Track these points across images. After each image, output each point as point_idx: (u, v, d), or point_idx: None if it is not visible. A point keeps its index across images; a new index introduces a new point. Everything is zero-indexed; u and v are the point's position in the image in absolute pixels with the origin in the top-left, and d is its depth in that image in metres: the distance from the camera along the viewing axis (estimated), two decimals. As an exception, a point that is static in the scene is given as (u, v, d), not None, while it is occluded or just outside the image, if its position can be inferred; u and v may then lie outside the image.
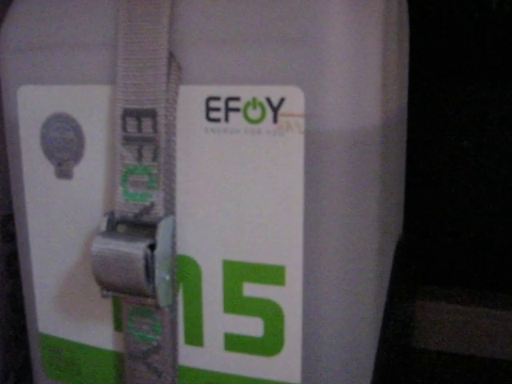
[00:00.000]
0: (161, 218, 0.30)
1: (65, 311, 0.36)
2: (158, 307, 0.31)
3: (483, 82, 0.52)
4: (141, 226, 0.31)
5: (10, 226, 0.46)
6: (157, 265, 0.30)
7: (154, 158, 0.30)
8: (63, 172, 0.33)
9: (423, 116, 0.54)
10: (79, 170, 0.33)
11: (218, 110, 0.29)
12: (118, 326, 0.34)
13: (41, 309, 0.37)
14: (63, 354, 0.37)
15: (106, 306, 0.34)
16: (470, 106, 0.53)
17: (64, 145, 0.33)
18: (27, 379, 0.45)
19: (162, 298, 0.30)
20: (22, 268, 0.38)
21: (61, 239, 0.35)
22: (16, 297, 0.47)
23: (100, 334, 0.35)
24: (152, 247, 0.30)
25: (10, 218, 0.46)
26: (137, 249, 0.29)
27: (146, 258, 0.29)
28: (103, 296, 0.31)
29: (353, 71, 0.28)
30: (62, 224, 0.34)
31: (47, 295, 0.36)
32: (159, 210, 0.30)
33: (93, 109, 0.32)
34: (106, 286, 0.31)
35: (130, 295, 0.31)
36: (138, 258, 0.29)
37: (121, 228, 0.32)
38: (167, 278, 0.30)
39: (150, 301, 0.30)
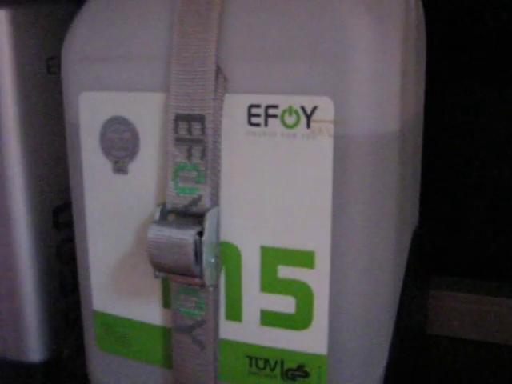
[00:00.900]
0: (207, 209, 0.35)
1: (117, 291, 0.41)
2: (203, 286, 0.37)
3: (493, 84, 0.57)
4: (189, 216, 0.36)
5: (60, 216, 0.52)
6: (204, 249, 0.35)
7: (202, 157, 0.35)
8: (119, 168, 0.39)
9: (438, 117, 0.59)
10: (134, 166, 0.39)
11: (258, 116, 0.35)
12: (166, 303, 0.40)
13: (95, 289, 0.42)
14: (115, 330, 0.42)
15: (155, 285, 0.40)
16: (481, 107, 0.58)
17: (121, 144, 0.39)
18: (79, 353, 0.51)
19: (208, 278, 0.36)
20: (78, 253, 0.43)
21: (115, 227, 0.40)
22: (65, 279, 0.53)
23: (149, 311, 0.40)
24: (200, 234, 0.35)
25: (60, 209, 0.52)
26: (187, 235, 0.35)
27: (195, 244, 0.35)
28: (156, 276, 0.37)
29: (375, 83, 0.33)
30: (117, 213, 0.40)
31: (102, 277, 0.42)
32: (206, 202, 0.36)
33: (147, 113, 0.37)
34: (159, 268, 0.36)
35: (179, 276, 0.36)
36: (188, 243, 0.35)
37: (171, 217, 0.37)
38: (212, 260, 0.36)
39: (197, 280, 0.36)
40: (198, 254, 0.35)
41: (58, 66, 0.50)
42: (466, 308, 0.61)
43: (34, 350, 0.52)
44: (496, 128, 0.59)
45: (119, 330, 0.42)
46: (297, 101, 0.33)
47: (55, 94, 0.50)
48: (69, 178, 0.43)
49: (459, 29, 0.58)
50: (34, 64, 0.49)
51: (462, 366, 0.58)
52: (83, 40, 0.39)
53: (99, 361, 0.44)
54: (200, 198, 0.36)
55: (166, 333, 0.40)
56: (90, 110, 0.39)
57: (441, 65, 0.59)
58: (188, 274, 0.36)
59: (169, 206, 0.37)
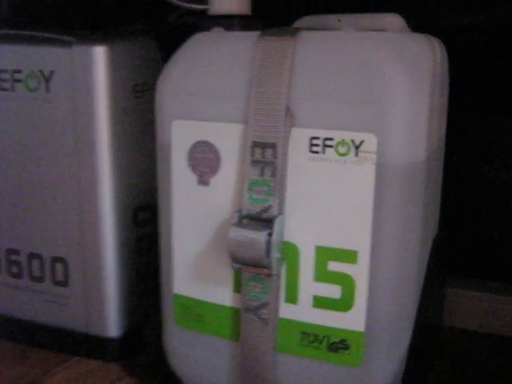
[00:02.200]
0: (275, 216, 0.48)
1: (196, 278, 0.53)
2: (269, 275, 0.49)
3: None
4: (260, 220, 0.48)
5: (139, 215, 0.65)
6: (272, 247, 0.47)
7: (273, 175, 0.47)
8: (203, 181, 0.51)
9: (457, 142, 0.70)
10: (215, 180, 0.51)
11: (317, 145, 0.46)
12: (236, 288, 0.52)
13: (177, 276, 0.54)
14: (192, 309, 0.54)
15: (228, 274, 0.52)
16: (490, 132, 0.70)
17: (205, 162, 0.51)
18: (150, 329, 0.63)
19: (274, 269, 0.48)
20: (162, 247, 0.55)
21: (197, 227, 0.52)
22: (141, 268, 0.65)
23: (222, 295, 0.52)
24: (270, 235, 0.47)
25: (139, 210, 0.64)
26: (261, 236, 0.47)
27: (266, 242, 0.47)
28: (233, 267, 0.49)
29: (407, 124, 0.45)
30: (199, 216, 0.52)
31: (183, 267, 0.54)
32: (274, 210, 0.48)
33: (229, 139, 0.49)
34: (236, 260, 0.48)
35: (251, 267, 0.48)
36: (261, 242, 0.47)
37: (245, 221, 0.49)
38: (278, 255, 0.48)
39: (265, 271, 0.48)
40: (267, 251, 0.47)
41: (142, 91, 0.63)
42: (476, 304, 0.72)
43: (113, 326, 0.65)
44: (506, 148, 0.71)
45: (195, 310, 0.54)
46: (348, 136, 0.45)
47: (138, 114, 0.63)
48: (146, 184, 0.55)
49: (476, 70, 0.70)
50: (123, 89, 0.61)
51: (471, 352, 0.69)
52: (177, 78, 0.51)
53: (176, 335, 0.56)
54: (270, 207, 0.48)
55: (234, 312, 0.52)
56: (181, 135, 0.51)
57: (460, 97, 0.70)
58: (258, 265, 0.48)
59: (244, 212, 0.49)
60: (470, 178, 0.73)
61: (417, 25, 0.54)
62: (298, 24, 0.55)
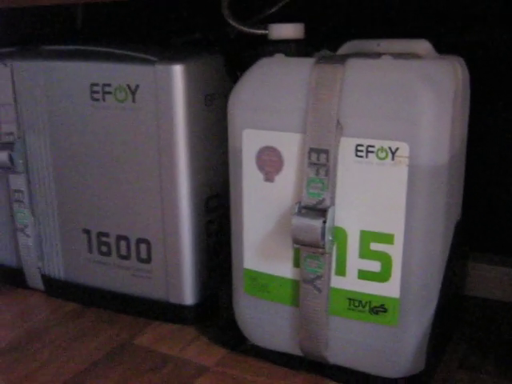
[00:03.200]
0: (328, 207, 0.61)
1: (262, 255, 0.68)
2: (323, 254, 0.63)
3: None
4: (316, 210, 0.62)
5: (210, 203, 0.79)
6: (326, 231, 0.61)
7: (326, 175, 0.61)
8: (268, 178, 0.65)
9: (479, 142, 0.83)
10: (278, 177, 0.65)
11: (361, 151, 0.60)
12: (296, 264, 0.66)
13: (246, 254, 0.69)
14: (259, 281, 0.69)
15: (289, 252, 0.66)
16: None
17: (270, 163, 0.65)
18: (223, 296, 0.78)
19: (327, 249, 0.62)
20: (234, 230, 0.70)
21: (263, 215, 0.66)
22: (210, 246, 0.80)
23: (284, 269, 0.67)
24: (324, 222, 0.61)
25: (210, 199, 0.79)
26: (317, 223, 0.61)
27: (321, 228, 0.61)
28: (294, 247, 0.63)
29: (433, 134, 0.58)
30: (265, 206, 0.66)
31: (251, 246, 0.68)
32: (327, 202, 0.62)
33: (290, 145, 0.63)
34: (296, 242, 0.63)
35: (308, 247, 0.62)
36: (318, 227, 0.61)
37: (303, 211, 0.63)
38: (330, 238, 0.62)
39: (320, 250, 0.62)
40: (322, 234, 0.61)
41: (211, 100, 0.77)
42: (496, 275, 0.86)
43: (189, 295, 0.79)
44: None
45: (261, 281, 0.68)
46: (387, 144, 0.59)
47: (209, 120, 0.77)
48: (215, 177, 0.70)
49: (493, 81, 0.82)
50: (197, 99, 0.75)
51: (492, 319, 0.83)
52: (247, 95, 0.65)
53: (245, 302, 0.71)
54: (323, 200, 0.62)
55: (294, 283, 0.66)
56: (250, 141, 0.65)
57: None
58: (315, 246, 0.62)
59: (302, 204, 0.63)
60: (490, 167, 0.86)
61: (444, 43, 0.67)
62: (344, 47, 0.68)
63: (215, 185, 0.79)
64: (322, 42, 0.70)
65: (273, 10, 0.79)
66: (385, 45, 0.66)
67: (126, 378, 0.69)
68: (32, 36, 1.06)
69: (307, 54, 0.68)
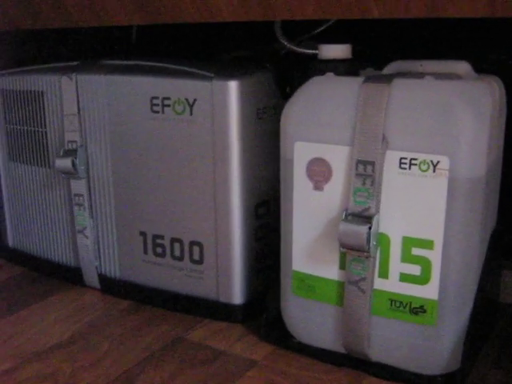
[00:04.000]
0: (374, 214, 0.68)
1: (310, 258, 0.74)
2: (367, 257, 0.69)
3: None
4: (362, 217, 0.69)
5: (259, 210, 0.86)
6: (371, 237, 0.67)
7: (371, 185, 0.68)
8: (317, 187, 0.72)
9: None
10: (327, 186, 0.71)
11: (405, 163, 0.67)
12: (342, 266, 0.72)
13: (295, 256, 0.75)
14: (306, 282, 0.75)
15: (335, 256, 0.72)
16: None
17: (319, 173, 0.71)
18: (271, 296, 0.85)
19: (372, 253, 0.68)
20: (283, 235, 0.76)
21: (311, 221, 0.73)
22: (259, 250, 0.87)
23: (330, 271, 0.73)
24: (369, 228, 0.67)
25: (259, 205, 0.85)
26: (363, 229, 0.67)
27: (367, 233, 0.67)
28: (341, 251, 0.70)
29: (471, 149, 0.65)
30: (314, 213, 0.73)
31: (299, 250, 0.75)
32: (372, 210, 0.68)
33: (338, 157, 0.70)
34: (343, 246, 0.69)
35: (354, 251, 0.69)
36: (363, 233, 0.67)
37: (349, 217, 0.69)
38: (375, 243, 0.68)
39: (365, 254, 0.68)
40: (367, 239, 0.67)
41: (263, 113, 0.84)
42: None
43: (238, 295, 0.86)
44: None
45: (309, 282, 0.75)
46: (428, 157, 0.65)
47: (260, 132, 0.84)
48: (264, 186, 0.76)
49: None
50: (250, 112, 0.82)
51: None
52: (299, 111, 0.72)
53: (293, 302, 0.77)
54: (369, 208, 0.68)
55: (339, 284, 0.73)
56: (301, 152, 0.72)
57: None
58: (360, 250, 0.68)
59: (349, 211, 0.69)
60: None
61: (482, 63, 0.73)
62: (389, 67, 0.75)
63: (264, 192, 0.85)
64: (367, 61, 0.76)
65: (319, 30, 0.86)
66: (427, 65, 0.73)
67: (180, 369, 0.76)
68: (90, 51, 1.14)
69: (354, 73, 0.75)
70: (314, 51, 0.78)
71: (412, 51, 0.86)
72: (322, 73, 0.73)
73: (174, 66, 0.85)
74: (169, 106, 0.84)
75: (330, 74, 0.73)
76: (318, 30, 0.85)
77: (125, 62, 0.91)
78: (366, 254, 0.68)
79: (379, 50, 0.92)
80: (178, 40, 1.13)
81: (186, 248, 0.87)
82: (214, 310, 0.87)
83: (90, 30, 1.10)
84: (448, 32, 0.89)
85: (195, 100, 0.82)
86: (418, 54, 0.76)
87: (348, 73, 0.74)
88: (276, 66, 0.86)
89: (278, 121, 0.76)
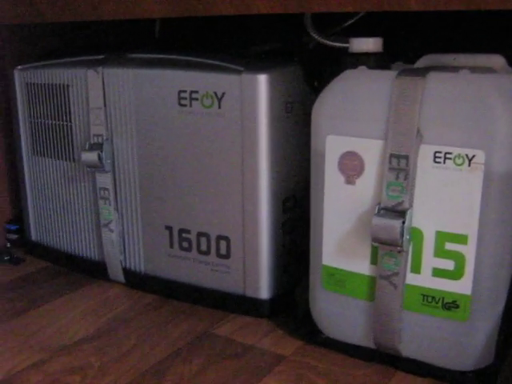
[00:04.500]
0: (407, 209, 0.68)
1: (340, 253, 0.74)
2: (400, 252, 0.69)
3: None
4: (394, 212, 0.69)
5: (286, 204, 0.86)
6: (405, 231, 0.68)
7: (405, 179, 0.68)
8: (349, 181, 0.72)
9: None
10: (359, 180, 0.71)
11: (440, 157, 0.67)
12: (373, 261, 0.72)
13: (325, 251, 0.75)
14: (336, 276, 0.75)
15: (367, 250, 0.72)
16: None
17: (352, 167, 0.71)
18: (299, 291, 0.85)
19: (405, 247, 0.68)
20: (313, 230, 0.76)
21: (342, 215, 0.73)
22: (286, 244, 0.87)
23: (362, 266, 0.73)
24: (403, 222, 0.67)
25: (286, 200, 0.86)
26: (397, 223, 0.67)
27: (400, 227, 0.67)
28: (373, 245, 0.70)
29: (507, 143, 0.65)
30: (345, 207, 0.73)
31: (330, 244, 0.75)
32: (406, 204, 0.68)
33: (371, 151, 0.70)
34: (375, 240, 0.69)
35: (386, 245, 0.69)
36: (397, 227, 0.67)
37: (382, 212, 0.70)
38: (408, 237, 0.68)
39: (398, 248, 0.69)
40: (401, 233, 0.67)
41: (291, 107, 0.84)
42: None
43: (265, 290, 0.86)
44: None
45: (339, 277, 0.75)
46: (464, 151, 0.65)
47: (288, 126, 0.84)
48: (291, 180, 0.76)
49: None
50: (278, 106, 0.82)
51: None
52: (332, 104, 0.72)
53: (322, 296, 0.77)
54: (402, 202, 0.68)
55: (370, 279, 0.73)
56: (333, 146, 0.72)
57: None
58: (393, 244, 0.68)
59: (382, 205, 0.69)
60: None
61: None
62: (421, 61, 0.75)
63: (291, 187, 0.86)
64: (399, 55, 0.76)
65: (349, 22, 0.86)
66: (460, 59, 0.73)
67: (208, 363, 0.77)
68: (115, 44, 1.15)
69: (385, 67, 0.75)
70: (344, 44, 0.78)
71: (441, 45, 0.85)
72: (353, 66, 0.73)
73: (202, 60, 0.85)
74: (197, 99, 0.84)
75: (363, 68, 0.73)
76: (348, 23, 0.85)
77: (151, 56, 0.91)
78: (398, 248, 0.68)
79: (407, 43, 0.91)
80: (201, 34, 1.14)
81: (213, 242, 0.87)
82: (240, 304, 0.87)
83: (112, 24, 1.11)
84: (479, 25, 0.89)
85: (224, 94, 0.82)
86: (448, 48, 0.76)
87: (379, 67, 0.74)
88: (304, 60, 0.86)
89: (306, 115, 0.76)
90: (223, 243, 0.87)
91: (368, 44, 0.75)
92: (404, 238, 0.68)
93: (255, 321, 0.87)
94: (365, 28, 0.84)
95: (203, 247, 0.88)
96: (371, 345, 0.75)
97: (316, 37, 0.81)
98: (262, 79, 0.80)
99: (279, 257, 0.86)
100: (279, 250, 0.86)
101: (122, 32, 1.19)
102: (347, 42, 0.77)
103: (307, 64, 0.86)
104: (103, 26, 1.17)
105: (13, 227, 1.14)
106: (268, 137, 0.81)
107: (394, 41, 0.82)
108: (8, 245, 1.13)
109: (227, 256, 0.87)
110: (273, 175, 0.83)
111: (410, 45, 0.91)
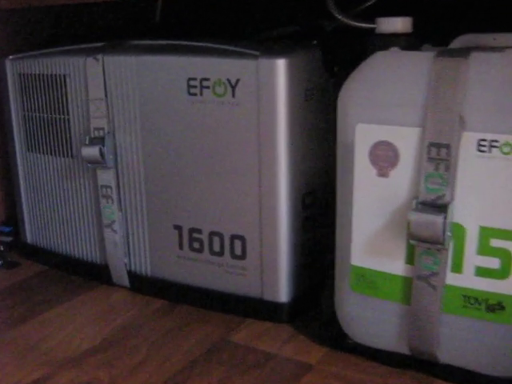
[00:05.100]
0: (449, 202, 0.62)
1: (372, 252, 0.69)
2: (439, 250, 0.64)
3: None
4: (434, 206, 0.63)
5: (306, 200, 0.80)
6: (446, 227, 0.62)
7: (446, 170, 0.62)
8: (382, 174, 0.66)
9: None
10: (393, 172, 0.66)
11: (484, 146, 0.61)
12: (409, 260, 0.67)
13: (354, 250, 0.70)
14: (366, 277, 0.70)
15: (402, 249, 0.67)
16: None
17: (385, 158, 0.66)
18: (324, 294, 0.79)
19: (446, 245, 0.63)
20: (340, 227, 0.71)
21: (375, 211, 0.67)
22: (306, 242, 0.81)
23: (396, 266, 0.68)
24: (444, 218, 0.62)
25: (306, 195, 0.80)
26: (439, 219, 0.61)
27: (442, 223, 0.62)
28: (411, 243, 0.64)
29: (561, 128, 0.59)
30: (377, 202, 0.67)
31: (360, 243, 0.69)
32: (447, 198, 0.63)
33: (407, 140, 0.64)
34: (413, 238, 0.64)
35: (426, 243, 0.63)
36: (439, 223, 0.62)
37: (420, 206, 0.64)
38: (449, 234, 0.63)
39: (439, 246, 0.63)
40: (443, 230, 0.62)
41: (311, 94, 0.78)
42: None
43: (284, 293, 0.81)
44: None
45: (370, 278, 0.70)
46: (498, 137, 0.60)
47: (308, 115, 0.78)
48: (311, 174, 0.71)
49: None
50: (297, 93, 0.77)
51: None
52: (361, 89, 0.66)
53: (350, 299, 0.72)
54: (443, 195, 0.63)
55: (405, 280, 0.67)
56: (363, 135, 0.66)
57: None
58: (434, 242, 0.63)
59: (420, 199, 0.64)
60: None
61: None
62: (455, 42, 0.69)
63: (311, 181, 0.80)
64: (430, 36, 0.71)
65: (371, 1, 0.80)
66: (501, 39, 0.67)
67: (229, 375, 0.71)
68: (114, 30, 1.08)
69: (415, 49, 0.69)
70: (370, 25, 0.72)
71: (472, 26, 0.80)
72: (383, 48, 0.67)
73: (212, 45, 0.79)
74: (208, 87, 0.78)
75: (395, 49, 0.67)
76: (370, 2, 0.79)
77: (156, 42, 0.85)
78: (439, 246, 0.63)
79: (433, 25, 0.86)
80: (205, 19, 1.08)
81: (227, 242, 0.81)
82: (257, 308, 0.82)
83: (110, 8, 1.05)
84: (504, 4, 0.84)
85: (238, 80, 0.76)
86: (478, 28, 0.70)
87: (409, 48, 0.68)
88: (323, 44, 0.80)
89: (325, 103, 0.70)
90: (238, 243, 0.81)
91: (397, 24, 0.70)
92: (446, 235, 0.62)
93: (274, 326, 0.81)
94: (383, 9, 0.79)
95: (216, 248, 0.82)
96: (405, 350, 0.70)
97: (340, 17, 0.75)
98: (281, 64, 0.74)
99: (299, 256, 0.81)
100: (299, 249, 0.81)
101: (120, 17, 1.13)
102: (372, 23, 0.71)
103: (326, 48, 0.80)
104: (100, 10, 1.10)
105: (6, 229, 1.07)
106: (287, 127, 0.76)
107: (419, 22, 0.76)
108: (1, 248, 1.07)
109: (242, 257, 0.81)
110: (292, 168, 0.77)
111: (436, 26, 0.85)
